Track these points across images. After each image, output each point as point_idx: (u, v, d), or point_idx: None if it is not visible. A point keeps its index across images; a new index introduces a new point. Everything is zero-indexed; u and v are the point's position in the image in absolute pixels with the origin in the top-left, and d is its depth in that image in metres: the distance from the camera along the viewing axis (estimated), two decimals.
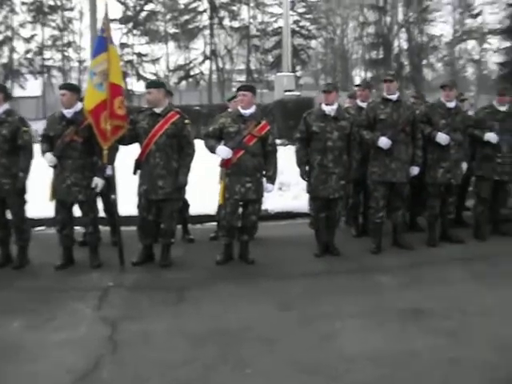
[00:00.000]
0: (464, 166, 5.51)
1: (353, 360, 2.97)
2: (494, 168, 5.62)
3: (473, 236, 5.83)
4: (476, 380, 2.77)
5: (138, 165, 4.73)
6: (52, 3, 28.20)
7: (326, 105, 4.97)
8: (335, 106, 4.97)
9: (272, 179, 4.88)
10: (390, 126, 5.04)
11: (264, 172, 4.87)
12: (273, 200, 6.40)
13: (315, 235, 5.22)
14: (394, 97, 5.15)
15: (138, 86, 27.58)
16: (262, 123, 4.79)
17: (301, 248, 5.37)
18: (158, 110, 4.67)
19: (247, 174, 4.71)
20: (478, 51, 32.25)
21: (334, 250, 5.19)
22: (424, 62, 30.99)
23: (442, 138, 5.24)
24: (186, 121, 4.77)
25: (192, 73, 31.09)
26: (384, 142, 4.99)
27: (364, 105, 5.72)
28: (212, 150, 4.74)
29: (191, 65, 30.89)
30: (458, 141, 5.35)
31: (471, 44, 32.33)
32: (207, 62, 30.24)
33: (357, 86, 6.33)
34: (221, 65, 30.49)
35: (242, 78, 30.83)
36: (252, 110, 4.79)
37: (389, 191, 5.20)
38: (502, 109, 5.67)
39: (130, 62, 28.91)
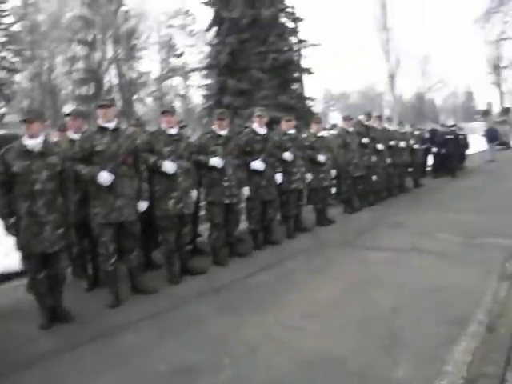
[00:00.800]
0: (194, 193, 5.27)
1: None
2: (222, 192, 5.56)
3: (212, 263, 5.64)
4: None
5: None
6: None
7: (30, 138, 4.00)
8: (41, 139, 4.02)
9: None
10: (110, 158, 4.37)
11: None
12: None
13: (37, 301, 4.15)
14: (111, 125, 4.49)
15: None
16: None
17: (22, 321, 4.20)
18: None
19: None
20: (183, 87, 34.91)
21: (64, 315, 4.19)
22: (135, 96, 31.69)
23: (169, 166, 4.87)
24: None
25: None
26: (104, 177, 4.29)
27: (77, 136, 4.92)
28: None
29: None
30: (185, 168, 5.07)
31: (177, 80, 34.75)
32: None
33: (67, 115, 5.45)
34: None
35: None
36: None
37: (118, 232, 4.53)
38: (223, 133, 5.67)
39: None
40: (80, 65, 30.24)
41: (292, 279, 4.93)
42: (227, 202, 5.61)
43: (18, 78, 29.58)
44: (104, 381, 3.08)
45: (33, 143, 3.97)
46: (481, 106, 49.74)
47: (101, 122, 4.49)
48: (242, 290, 4.69)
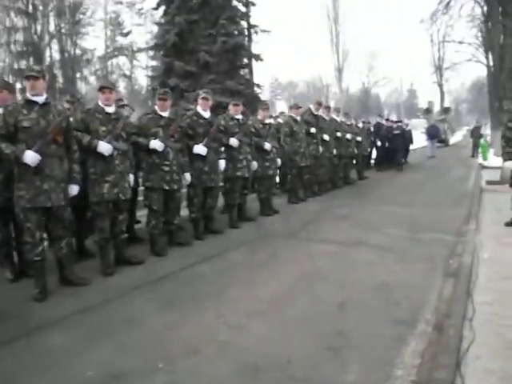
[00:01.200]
0: (131, 177, 4.89)
1: None
2: (162, 177, 5.21)
3: (150, 252, 5.30)
4: None
5: None
6: None
7: None
8: None
9: None
10: (37, 135, 3.89)
11: None
12: None
13: None
14: (40, 99, 4.00)
15: None
16: None
17: None
18: None
19: None
20: (129, 67, 33.80)
21: None
22: (78, 74, 30.28)
23: (104, 147, 4.48)
24: None
25: None
26: (30, 156, 3.82)
27: (1, 111, 4.40)
28: None
29: None
30: (122, 150, 4.68)
31: (123, 60, 33.57)
32: None
33: None
34: None
35: None
36: None
37: (46, 218, 4.10)
38: (165, 114, 5.31)
39: None
40: (19, 36, 28.35)
41: (235, 272, 4.68)
42: (167, 188, 5.27)
43: None
44: None
45: None
46: (423, 103, 51.73)
47: (28, 94, 4.00)
48: (182, 283, 4.38)
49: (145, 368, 2.85)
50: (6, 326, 3.52)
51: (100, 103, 4.68)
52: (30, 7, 27.65)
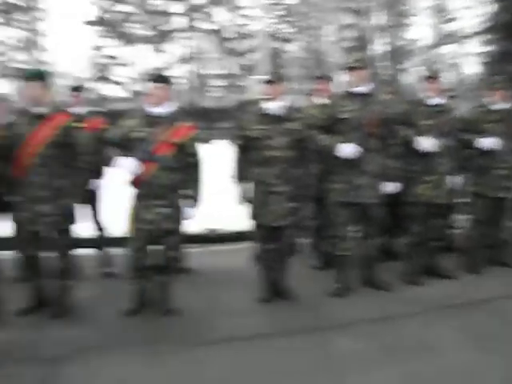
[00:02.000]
0: (456, 179, 4.30)
1: None
2: (494, 183, 4.34)
3: (465, 267, 4.51)
4: None
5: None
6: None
7: (271, 101, 3.66)
8: (283, 103, 3.67)
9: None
10: (355, 127, 3.72)
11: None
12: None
13: (260, 272, 3.89)
14: (363, 89, 3.81)
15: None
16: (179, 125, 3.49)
17: (242, 288, 4.04)
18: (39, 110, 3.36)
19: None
20: (453, 55, 31.75)
21: (284, 293, 3.85)
22: (400, 66, 30.23)
23: (425, 143, 3.98)
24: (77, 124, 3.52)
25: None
26: (346, 149, 3.67)
27: (324, 102, 4.38)
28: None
29: (167, 68, 29.01)
30: (446, 147, 4.10)
31: (446, 49, 31.75)
32: (183, 66, 28.51)
33: (318, 78, 4.99)
34: (196, 69, 28.84)
35: (219, 82, 29.46)
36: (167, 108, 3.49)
37: (357, 214, 3.90)
38: (497, 107, 4.39)
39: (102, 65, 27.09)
40: (348, 33, 30.23)
41: None
42: (499, 195, 4.37)
43: (290, 47, 31.08)
44: None
45: (273, 106, 3.66)
46: None
47: (349, 86, 3.86)
48: (502, 316, 3.51)
49: None
50: (299, 314, 3.60)
51: (423, 94, 4.20)
52: (358, 5, 28.97)
